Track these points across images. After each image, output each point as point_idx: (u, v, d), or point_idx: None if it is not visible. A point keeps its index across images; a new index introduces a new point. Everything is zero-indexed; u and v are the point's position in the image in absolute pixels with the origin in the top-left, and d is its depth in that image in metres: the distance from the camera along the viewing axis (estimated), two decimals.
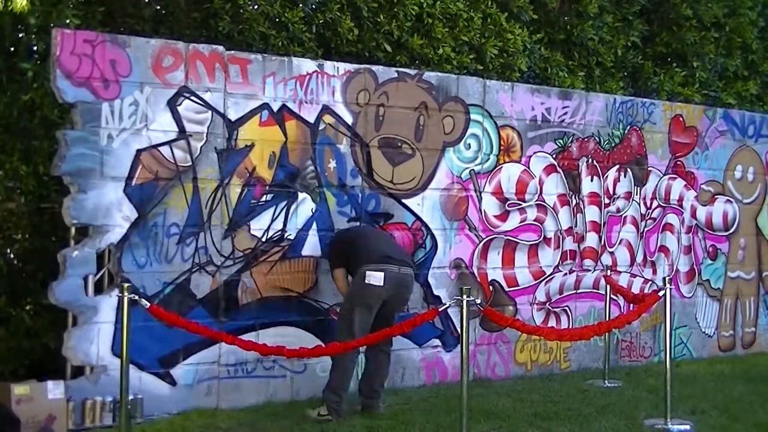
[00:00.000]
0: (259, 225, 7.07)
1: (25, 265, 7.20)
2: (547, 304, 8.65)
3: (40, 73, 6.92)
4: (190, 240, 6.75)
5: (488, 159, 8.26)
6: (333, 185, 7.40)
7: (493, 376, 8.23)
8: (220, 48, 6.95)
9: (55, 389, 6.19)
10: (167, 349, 6.61)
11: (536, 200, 8.56)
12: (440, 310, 6.30)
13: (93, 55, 6.36)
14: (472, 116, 8.15)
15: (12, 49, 7.13)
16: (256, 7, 7.83)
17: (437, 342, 7.93)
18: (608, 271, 8.54)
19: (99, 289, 6.49)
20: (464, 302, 5.71)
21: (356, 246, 6.79)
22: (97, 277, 6.47)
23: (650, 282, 9.33)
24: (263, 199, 7.09)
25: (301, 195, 7.25)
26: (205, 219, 6.81)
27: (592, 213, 8.97)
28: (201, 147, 6.79)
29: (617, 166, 9.15)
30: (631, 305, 7.89)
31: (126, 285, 5.58)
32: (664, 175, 9.52)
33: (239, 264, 6.96)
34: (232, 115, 6.94)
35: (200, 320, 6.47)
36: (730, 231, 10.12)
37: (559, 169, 8.72)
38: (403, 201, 7.76)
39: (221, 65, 6.88)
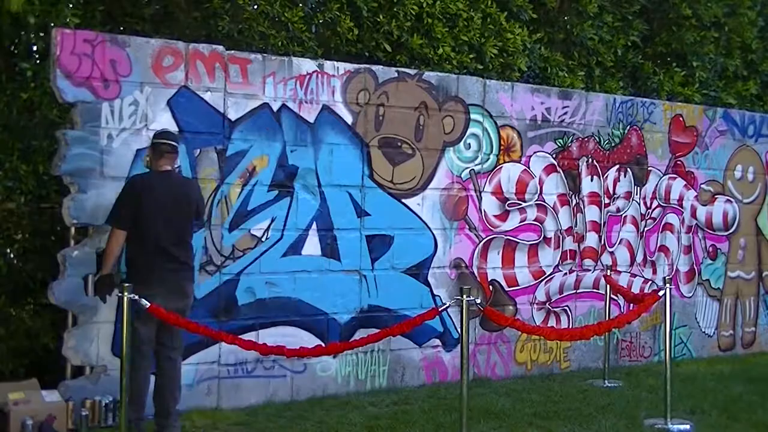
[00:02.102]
0: (259, 225, 7.06)
1: (25, 265, 7.19)
2: (547, 303, 8.65)
3: (39, 73, 6.94)
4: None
5: (488, 159, 8.26)
6: (332, 185, 7.39)
7: (493, 375, 8.23)
8: (220, 48, 6.95)
9: (50, 395, 6.20)
10: None
11: (536, 200, 8.56)
12: (440, 310, 6.30)
13: (93, 54, 6.35)
14: (472, 116, 8.15)
15: (11, 48, 7.13)
16: (256, 6, 7.83)
17: (437, 342, 7.93)
18: (608, 270, 8.53)
19: None
20: (464, 302, 5.71)
21: None
22: (97, 277, 6.46)
23: (650, 282, 9.33)
24: (263, 199, 7.08)
25: (302, 195, 7.24)
26: (205, 219, 6.80)
27: (592, 213, 8.97)
28: (201, 147, 6.79)
29: (617, 166, 9.15)
30: (631, 305, 7.89)
31: (126, 285, 5.58)
32: (664, 174, 9.52)
33: (239, 264, 6.96)
34: (232, 115, 6.94)
35: (200, 320, 6.46)
36: (730, 231, 10.12)
37: (559, 169, 8.72)
38: (403, 201, 7.76)
39: (221, 65, 6.88)
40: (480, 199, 8.20)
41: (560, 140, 8.73)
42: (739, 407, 7.24)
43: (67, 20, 6.91)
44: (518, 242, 8.44)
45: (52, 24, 6.76)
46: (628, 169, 9.24)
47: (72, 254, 6.32)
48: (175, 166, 6.28)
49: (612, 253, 9.10)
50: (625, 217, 9.23)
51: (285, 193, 7.18)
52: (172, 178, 6.18)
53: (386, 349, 7.63)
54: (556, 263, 8.70)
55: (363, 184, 7.55)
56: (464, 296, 5.72)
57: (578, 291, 8.85)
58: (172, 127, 6.67)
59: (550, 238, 8.66)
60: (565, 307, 8.76)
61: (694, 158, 9.77)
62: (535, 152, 8.56)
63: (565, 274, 8.76)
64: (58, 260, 6.34)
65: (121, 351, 5.55)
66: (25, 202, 7.11)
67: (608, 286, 8.39)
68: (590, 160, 8.95)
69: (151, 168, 6.18)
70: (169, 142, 6.11)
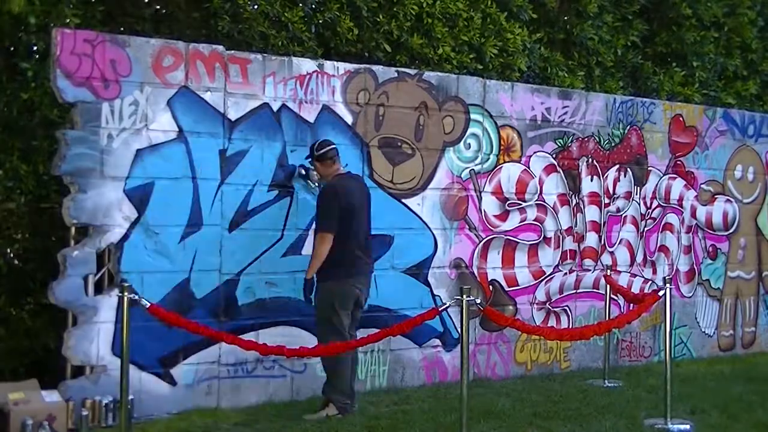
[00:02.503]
0: (258, 225, 7.05)
1: (25, 265, 7.19)
2: (547, 303, 8.64)
3: (39, 73, 6.94)
4: (190, 240, 6.74)
5: (488, 159, 8.26)
6: None
7: (493, 375, 8.22)
8: (220, 48, 6.94)
9: (50, 395, 6.19)
10: (167, 348, 6.61)
11: (536, 200, 8.56)
12: (440, 309, 6.30)
13: (93, 54, 6.35)
14: (472, 116, 8.15)
15: (11, 48, 7.12)
16: (256, 6, 7.82)
17: (437, 342, 7.93)
18: (608, 270, 8.53)
19: (99, 289, 6.48)
20: (464, 302, 5.70)
21: None
22: (97, 276, 6.47)
23: (650, 282, 9.33)
24: (263, 198, 7.08)
25: (302, 194, 7.24)
26: (204, 219, 6.80)
27: (592, 213, 8.97)
28: (201, 146, 6.79)
29: (617, 166, 9.15)
30: (631, 305, 7.89)
31: (126, 285, 5.58)
32: (664, 174, 9.52)
33: (239, 264, 6.95)
34: (232, 115, 6.94)
35: (200, 320, 6.47)
36: (730, 231, 10.12)
37: (559, 169, 8.72)
38: (403, 201, 7.76)
39: (221, 65, 6.88)
40: (480, 199, 8.20)
41: (560, 140, 8.73)
42: (739, 407, 7.24)
43: (68, 20, 6.91)
44: (518, 242, 8.44)
45: (53, 24, 6.76)
46: (628, 169, 9.24)
47: (72, 254, 6.32)
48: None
49: (612, 253, 9.10)
50: (625, 217, 9.23)
51: (285, 193, 7.18)
52: (355, 179, 6.94)
53: (386, 349, 7.63)
54: (556, 263, 8.70)
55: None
56: (464, 296, 5.72)
57: (578, 291, 8.85)
58: (172, 127, 6.68)
59: (550, 238, 8.66)
60: (565, 307, 8.76)
61: (694, 158, 9.77)
62: (535, 152, 8.56)
63: (565, 274, 8.76)
64: (58, 260, 6.34)
65: (122, 351, 5.56)
66: (25, 202, 7.11)
67: (608, 286, 8.39)
68: (590, 160, 8.95)
69: (328, 176, 6.70)
70: (331, 145, 6.76)
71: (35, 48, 7.13)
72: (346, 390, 6.65)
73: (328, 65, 7.42)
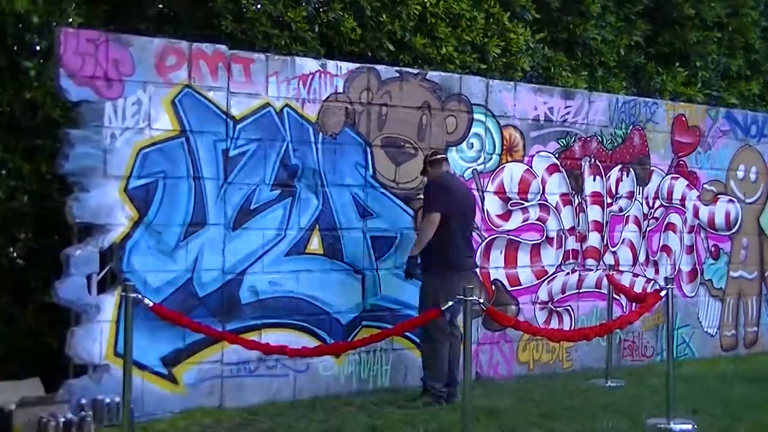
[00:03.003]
0: (261, 224, 7.06)
1: (28, 264, 7.20)
2: (550, 303, 8.64)
3: (42, 72, 6.94)
4: (193, 239, 6.75)
5: (491, 158, 8.26)
6: (335, 184, 7.39)
7: (495, 375, 8.23)
8: (223, 47, 6.95)
9: (52, 395, 6.19)
10: (170, 348, 6.62)
11: (539, 200, 8.56)
12: (443, 309, 6.29)
13: (96, 54, 6.35)
14: (475, 116, 8.15)
15: (14, 47, 7.12)
16: (259, 6, 7.83)
17: None
18: (611, 270, 8.52)
19: (102, 288, 6.49)
20: (466, 302, 5.70)
21: None
22: (100, 276, 6.47)
23: (652, 281, 9.32)
24: (266, 198, 7.08)
25: (304, 194, 7.24)
26: (207, 218, 6.80)
27: (594, 212, 8.97)
28: (204, 146, 6.80)
29: (620, 166, 9.15)
30: (633, 305, 7.89)
31: (128, 284, 5.58)
32: (667, 174, 9.52)
33: (242, 263, 6.96)
34: (235, 114, 6.94)
35: (203, 319, 6.48)
36: (733, 231, 10.12)
37: (561, 169, 8.72)
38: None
39: (224, 64, 6.88)
40: (483, 199, 8.20)
41: (563, 140, 8.73)
42: (741, 407, 7.23)
43: (71, 19, 6.92)
44: (521, 242, 8.44)
45: (56, 23, 6.77)
46: (631, 169, 9.24)
47: (75, 253, 6.31)
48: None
49: (614, 252, 9.10)
50: (628, 216, 9.23)
51: (287, 192, 7.18)
52: (458, 179, 7.62)
53: (389, 348, 7.62)
54: (559, 263, 8.70)
55: (366, 183, 7.55)
56: (467, 296, 5.72)
57: (581, 291, 8.85)
58: (175, 127, 6.68)
59: (553, 237, 8.66)
60: (568, 307, 8.76)
61: (697, 158, 9.77)
62: (537, 152, 8.56)
63: (568, 273, 8.76)
64: (61, 259, 6.34)
65: (125, 350, 5.56)
66: (28, 202, 7.12)
67: (610, 285, 8.39)
68: (593, 159, 8.95)
69: (438, 176, 7.31)
70: (442, 153, 7.49)
71: (38, 47, 7.13)
72: (443, 378, 7.05)
73: (331, 65, 7.42)
